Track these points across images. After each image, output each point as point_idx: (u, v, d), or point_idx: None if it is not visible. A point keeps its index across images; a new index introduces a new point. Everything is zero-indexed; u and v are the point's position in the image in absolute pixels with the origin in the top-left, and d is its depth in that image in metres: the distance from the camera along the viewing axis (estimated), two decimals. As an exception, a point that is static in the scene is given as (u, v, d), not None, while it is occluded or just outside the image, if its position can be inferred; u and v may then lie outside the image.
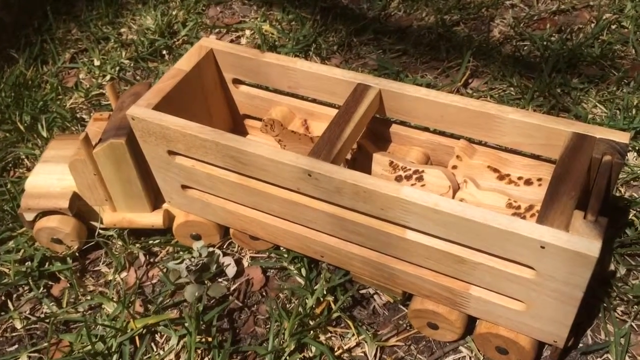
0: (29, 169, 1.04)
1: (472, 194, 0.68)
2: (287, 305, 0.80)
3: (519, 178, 0.68)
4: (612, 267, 0.78)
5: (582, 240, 0.54)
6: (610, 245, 0.80)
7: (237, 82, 0.85)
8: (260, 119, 0.86)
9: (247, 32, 1.31)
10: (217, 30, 1.32)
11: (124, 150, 0.78)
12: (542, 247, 0.55)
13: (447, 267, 0.64)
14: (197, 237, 0.86)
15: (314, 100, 0.80)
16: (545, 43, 1.16)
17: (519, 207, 0.66)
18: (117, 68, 1.23)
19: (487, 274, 0.62)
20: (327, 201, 0.66)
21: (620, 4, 1.25)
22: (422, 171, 0.71)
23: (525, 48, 1.17)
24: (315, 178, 0.64)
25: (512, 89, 1.09)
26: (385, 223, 0.65)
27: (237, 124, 0.91)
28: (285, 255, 0.84)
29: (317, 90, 0.77)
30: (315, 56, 1.21)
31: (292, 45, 1.22)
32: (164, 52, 1.26)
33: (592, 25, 1.21)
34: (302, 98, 0.81)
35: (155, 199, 0.86)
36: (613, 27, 1.20)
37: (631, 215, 0.83)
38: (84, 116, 1.13)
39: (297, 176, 0.65)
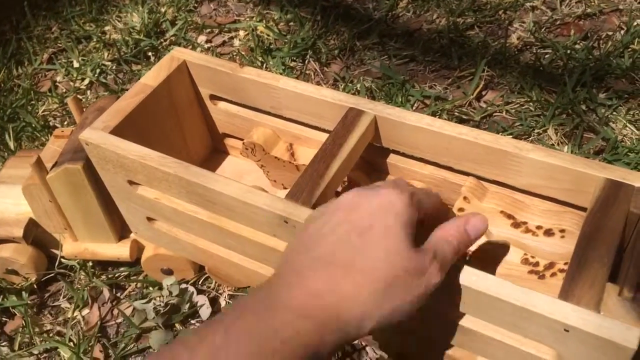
0: (-8, 184, 0.94)
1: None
2: (266, 357, 0.69)
3: (538, 227, 0.57)
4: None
5: (616, 326, 0.43)
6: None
7: (214, 98, 0.74)
8: (242, 139, 0.75)
9: (241, 33, 1.20)
10: (208, 30, 1.21)
11: (82, 177, 0.68)
12: (566, 330, 0.44)
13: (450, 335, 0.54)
14: (169, 272, 0.76)
15: (301, 122, 0.69)
16: (568, 52, 1.04)
17: (537, 264, 0.55)
18: (98, 71, 1.13)
19: (498, 349, 0.51)
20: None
21: (654, 9, 1.12)
22: (423, 214, 0.60)
23: (547, 57, 1.05)
24: (292, 225, 0.53)
25: (530, 103, 0.97)
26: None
27: (216, 143, 0.81)
28: (267, 297, 0.74)
29: (303, 112, 0.66)
30: (314, 61, 1.10)
31: (289, 49, 1.11)
32: (150, 53, 1.16)
33: (622, 32, 1.08)
34: (288, 119, 0.71)
35: (122, 227, 0.76)
36: (646, 34, 1.07)
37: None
38: (57, 124, 1.03)
39: (273, 222, 0.55)
